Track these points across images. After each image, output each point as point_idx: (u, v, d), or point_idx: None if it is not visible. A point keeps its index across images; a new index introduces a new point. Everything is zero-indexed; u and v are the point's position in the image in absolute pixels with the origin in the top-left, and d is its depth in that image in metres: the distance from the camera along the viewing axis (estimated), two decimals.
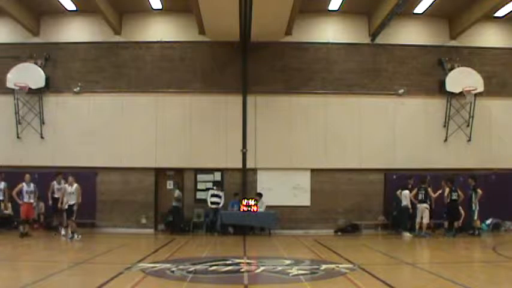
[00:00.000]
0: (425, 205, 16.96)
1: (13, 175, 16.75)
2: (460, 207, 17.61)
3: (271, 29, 18.24)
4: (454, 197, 17.17)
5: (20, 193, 15.76)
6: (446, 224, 17.30)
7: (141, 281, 8.61)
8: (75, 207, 15.29)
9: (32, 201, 15.92)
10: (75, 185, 15.51)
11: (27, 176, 15.97)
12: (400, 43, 19.59)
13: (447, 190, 17.20)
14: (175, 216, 18.14)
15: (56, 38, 19.32)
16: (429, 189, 17.22)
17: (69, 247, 13.96)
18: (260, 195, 18.39)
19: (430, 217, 17.06)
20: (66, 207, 15.31)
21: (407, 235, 16.92)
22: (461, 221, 17.58)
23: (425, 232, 16.82)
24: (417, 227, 17.02)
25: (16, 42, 19.18)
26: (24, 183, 15.77)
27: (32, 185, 15.95)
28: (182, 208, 18.41)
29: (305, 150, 18.92)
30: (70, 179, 15.60)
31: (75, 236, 15.05)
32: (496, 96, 19.32)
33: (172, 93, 19.07)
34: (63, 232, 15.59)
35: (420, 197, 17.12)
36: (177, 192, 18.21)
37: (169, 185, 19.33)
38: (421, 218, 16.95)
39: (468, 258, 12.80)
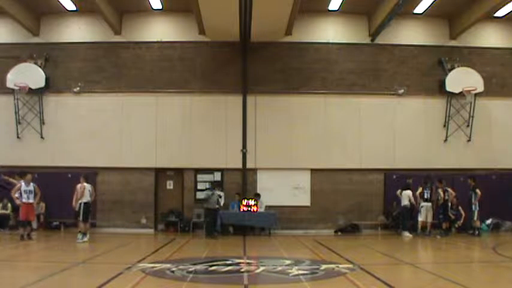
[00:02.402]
0: (430, 204, 17.00)
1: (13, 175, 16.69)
2: (460, 207, 17.68)
3: (271, 29, 18.25)
4: (447, 197, 17.27)
5: (18, 193, 15.02)
6: (444, 224, 17.32)
7: (141, 281, 8.61)
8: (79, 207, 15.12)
9: (31, 201, 15.11)
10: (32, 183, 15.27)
11: (28, 176, 15.22)
12: (400, 43, 19.60)
13: (441, 190, 17.23)
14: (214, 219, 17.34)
15: (56, 38, 19.33)
16: (441, 189, 17.23)
17: (69, 247, 13.94)
18: (258, 195, 18.38)
19: (433, 217, 17.15)
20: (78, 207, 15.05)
21: (407, 235, 16.92)
22: (461, 221, 17.65)
23: (430, 231, 16.88)
24: (420, 225, 17.01)
25: (16, 42, 19.20)
26: (22, 183, 14.98)
27: (32, 184, 15.20)
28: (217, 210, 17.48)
29: (305, 150, 18.91)
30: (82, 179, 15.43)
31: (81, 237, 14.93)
32: (496, 96, 19.33)
33: (172, 93, 19.07)
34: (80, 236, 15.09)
35: (426, 195, 17.14)
36: (217, 194, 17.55)
37: (170, 185, 19.34)
38: (426, 217, 16.97)
39: (468, 258, 12.79)
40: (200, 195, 18.66)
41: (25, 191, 15.01)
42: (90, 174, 18.21)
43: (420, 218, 17.09)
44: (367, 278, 8.93)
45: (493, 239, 16.40)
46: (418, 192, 17.26)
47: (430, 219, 17.02)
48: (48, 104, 18.94)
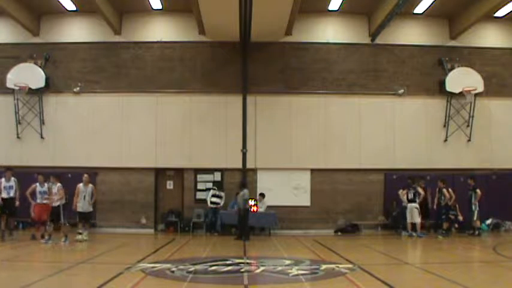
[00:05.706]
0: (414, 205, 16.91)
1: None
2: (457, 207, 17.71)
3: (271, 29, 18.25)
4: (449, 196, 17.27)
5: (33, 194, 15.22)
6: (445, 224, 17.28)
7: (141, 281, 8.62)
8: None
9: (45, 202, 15.17)
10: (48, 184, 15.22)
11: (41, 177, 15.40)
12: (400, 43, 19.59)
13: (445, 191, 17.18)
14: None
15: (56, 38, 19.33)
16: (419, 189, 17.16)
17: (69, 247, 13.94)
18: (263, 195, 18.38)
19: (427, 217, 17.06)
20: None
21: (407, 235, 16.90)
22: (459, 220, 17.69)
23: (421, 232, 16.78)
24: (408, 227, 16.89)
25: (16, 42, 19.20)
26: (37, 184, 15.24)
27: (45, 185, 15.27)
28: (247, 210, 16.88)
29: (305, 150, 18.91)
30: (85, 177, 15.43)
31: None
32: (496, 96, 19.33)
33: (172, 93, 19.07)
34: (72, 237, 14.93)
35: (410, 196, 17.07)
36: (246, 193, 16.97)
37: (169, 185, 19.34)
38: (411, 217, 16.85)
39: (468, 258, 12.80)
40: (201, 195, 18.73)
41: (40, 192, 15.20)
42: (90, 174, 18.17)
43: (407, 220, 16.91)
44: (367, 278, 8.94)
45: (493, 239, 16.40)
46: (402, 193, 17.16)
47: (415, 220, 16.76)
48: (48, 104, 18.95)
